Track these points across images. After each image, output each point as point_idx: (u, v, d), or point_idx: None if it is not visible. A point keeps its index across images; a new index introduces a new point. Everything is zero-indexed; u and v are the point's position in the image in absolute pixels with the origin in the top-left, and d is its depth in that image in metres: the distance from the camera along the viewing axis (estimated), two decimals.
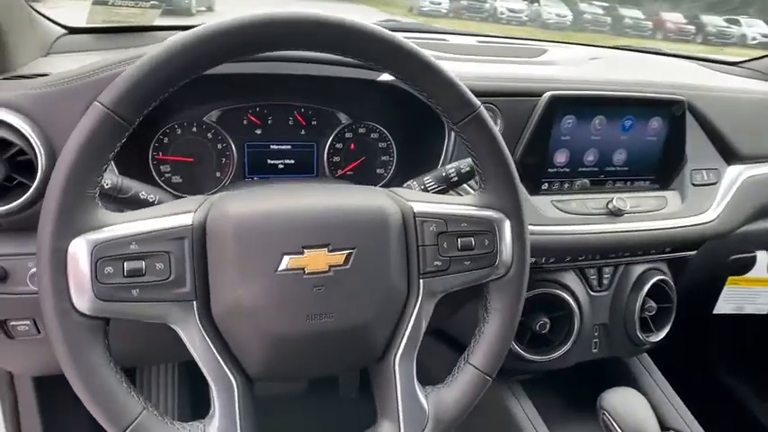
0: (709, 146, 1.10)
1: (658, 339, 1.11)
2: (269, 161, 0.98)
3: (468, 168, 0.81)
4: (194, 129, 0.92)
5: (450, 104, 0.63)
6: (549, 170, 0.97)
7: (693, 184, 1.06)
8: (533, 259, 0.98)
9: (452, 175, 0.82)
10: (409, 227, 0.65)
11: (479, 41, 1.44)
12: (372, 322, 0.62)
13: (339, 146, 1.02)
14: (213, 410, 0.58)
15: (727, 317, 1.30)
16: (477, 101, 0.65)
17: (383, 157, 1.05)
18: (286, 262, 0.58)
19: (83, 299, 0.53)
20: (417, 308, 0.64)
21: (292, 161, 0.99)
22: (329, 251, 0.59)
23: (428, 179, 0.83)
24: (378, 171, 1.05)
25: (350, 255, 0.60)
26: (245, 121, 0.95)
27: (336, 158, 1.02)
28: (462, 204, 0.68)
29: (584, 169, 1.00)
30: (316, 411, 1.57)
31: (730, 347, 1.73)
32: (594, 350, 1.09)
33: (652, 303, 1.08)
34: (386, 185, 1.06)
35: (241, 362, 0.59)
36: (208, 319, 0.57)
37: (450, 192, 0.85)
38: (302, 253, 0.58)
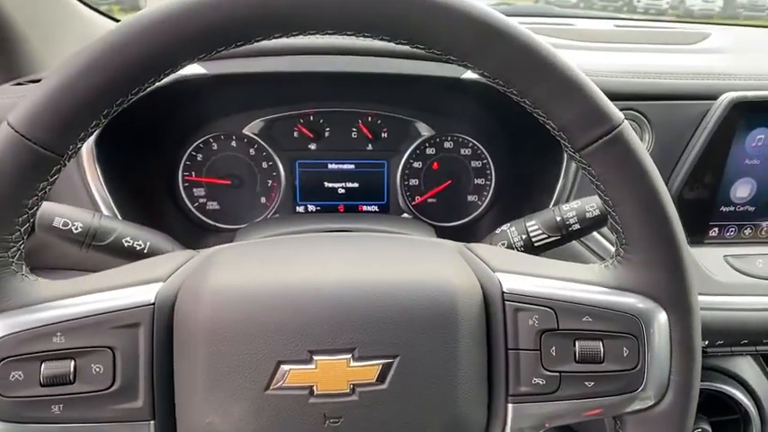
0: None
1: None
2: (326, 184, 0.77)
3: (597, 212, 0.54)
4: (233, 143, 0.74)
5: (571, 118, 0.37)
6: (723, 209, 0.66)
7: None
8: None
9: (571, 219, 0.55)
10: (494, 316, 0.40)
11: (617, 26, 1.12)
12: None
13: (417, 165, 0.78)
14: None
15: None
16: (618, 113, 0.38)
17: (477, 180, 0.80)
18: (283, 375, 0.36)
19: None
20: None
21: (356, 185, 0.78)
22: (354, 360, 0.36)
23: (533, 225, 0.56)
24: (469, 198, 0.80)
25: (388, 366, 0.37)
26: (295, 134, 0.75)
27: (414, 181, 0.79)
28: (586, 282, 0.41)
29: None
30: None
31: None
32: None
33: None
34: (479, 220, 0.81)
35: None
36: None
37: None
38: (310, 361, 0.36)
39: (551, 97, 0.37)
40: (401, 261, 0.42)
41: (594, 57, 0.74)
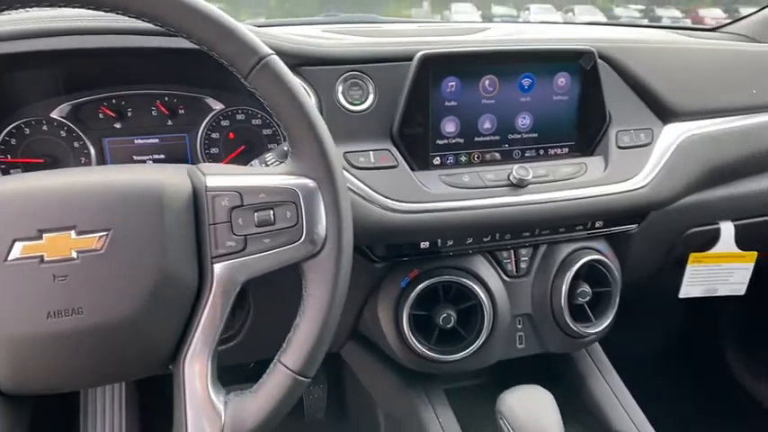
0: (639, 103, 0.97)
1: (600, 330, 0.97)
2: (135, 157, 0.91)
3: None
4: (44, 127, 0.86)
5: (233, 53, 0.55)
6: (438, 142, 0.86)
7: (620, 147, 0.92)
8: (426, 243, 0.87)
9: None
10: (200, 204, 0.56)
11: (420, 26, 1.33)
12: (143, 318, 0.53)
13: (215, 136, 0.93)
14: None
15: (698, 300, 1.14)
16: (267, 49, 0.56)
17: (270, 145, 0.96)
18: (18, 249, 0.50)
19: None
20: (211, 299, 0.55)
21: (162, 156, 0.92)
22: (76, 234, 0.51)
23: (270, 156, 0.73)
24: None
25: (104, 237, 0.51)
26: (100, 115, 0.88)
27: (214, 150, 0.94)
28: (266, 174, 0.58)
29: (482, 138, 0.88)
30: None
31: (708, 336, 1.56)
32: (520, 345, 0.96)
33: (586, 288, 0.94)
34: None
35: None
36: None
37: None
38: (40, 238, 0.50)
39: (219, 42, 0.54)
40: (128, 170, 0.57)
41: (355, 40, 0.91)
